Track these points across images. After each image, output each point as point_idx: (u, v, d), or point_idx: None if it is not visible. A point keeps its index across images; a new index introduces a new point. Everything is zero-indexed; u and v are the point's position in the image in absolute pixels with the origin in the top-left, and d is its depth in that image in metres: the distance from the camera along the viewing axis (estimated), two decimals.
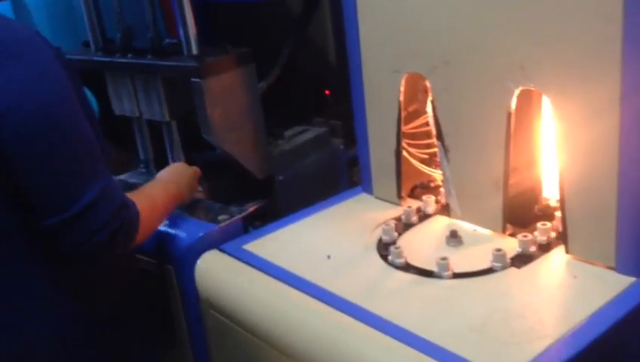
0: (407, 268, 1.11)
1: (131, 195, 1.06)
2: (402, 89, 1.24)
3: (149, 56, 1.39)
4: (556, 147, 1.04)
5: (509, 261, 1.07)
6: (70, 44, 1.69)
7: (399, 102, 1.26)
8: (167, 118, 1.44)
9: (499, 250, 1.07)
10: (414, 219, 1.26)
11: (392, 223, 1.22)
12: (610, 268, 1.02)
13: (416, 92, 1.30)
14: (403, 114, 1.28)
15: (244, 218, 1.36)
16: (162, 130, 1.49)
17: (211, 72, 1.28)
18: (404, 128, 1.29)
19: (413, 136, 1.32)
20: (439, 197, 1.30)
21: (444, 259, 1.07)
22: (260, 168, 1.41)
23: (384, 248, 1.17)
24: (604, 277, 1.01)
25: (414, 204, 1.30)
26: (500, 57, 1.07)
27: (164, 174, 1.32)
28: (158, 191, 1.19)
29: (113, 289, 1.12)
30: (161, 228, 1.30)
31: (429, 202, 1.28)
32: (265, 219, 1.40)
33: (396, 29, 1.20)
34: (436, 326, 0.95)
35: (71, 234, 0.96)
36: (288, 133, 1.53)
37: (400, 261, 1.12)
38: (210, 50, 1.33)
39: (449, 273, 1.07)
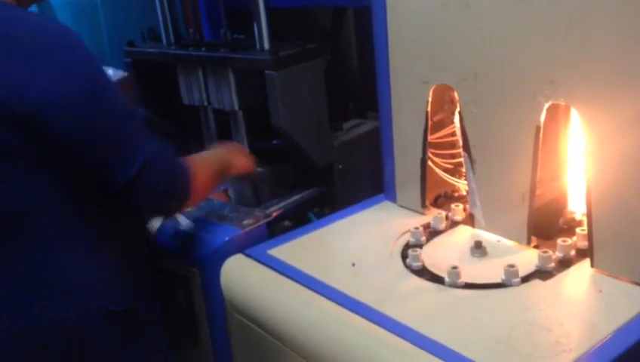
0: (424, 272, 1.13)
1: (195, 157, 1.19)
2: (430, 99, 1.25)
3: (222, 50, 1.49)
4: (584, 160, 1.04)
5: (519, 278, 1.07)
6: (93, 43, 1.75)
7: (426, 112, 1.26)
8: (236, 108, 1.52)
9: (511, 266, 1.07)
10: (443, 225, 1.27)
11: (421, 227, 1.23)
12: (636, 283, 1.02)
13: (442, 102, 1.31)
14: (429, 124, 1.29)
15: (267, 223, 1.37)
16: (229, 120, 1.58)
17: (283, 65, 1.38)
18: (430, 138, 1.30)
19: (438, 145, 1.33)
20: (467, 206, 1.30)
21: (455, 267, 1.09)
22: (321, 157, 1.52)
23: (407, 252, 1.17)
24: (630, 292, 1.01)
25: (437, 213, 1.30)
26: (529, 72, 1.07)
27: (218, 148, 1.41)
28: (212, 157, 1.30)
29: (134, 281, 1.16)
30: (188, 230, 1.32)
31: (457, 210, 1.28)
32: (323, 205, 1.54)
33: (426, 41, 1.21)
34: (462, 336, 0.96)
35: (140, 186, 1.05)
36: (346, 125, 1.64)
37: (417, 265, 1.13)
38: (280, 45, 1.43)
39: (459, 282, 1.08)
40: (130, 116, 1.09)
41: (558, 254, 1.11)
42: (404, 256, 1.18)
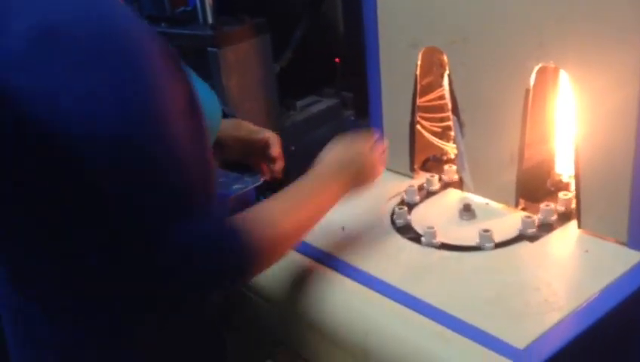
0: (407, 230, 1.14)
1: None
2: (419, 63, 1.24)
3: (162, 24, 1.39)
4: (574, 122, 1.05)
5: (493, 243, 1.08)
6: None
7: (415, 75, 1.26)
8: None
9: (486, 230, 1.08)
10: (436, 187, 1.27)
11: (415, 187, 1.24)
12: (622, 243, 1.04)
13: (431, 65, 1.31)
14: (417, 88, 1.28)
15: (256, 188, 1.37)
16: None
17: (228, 42, 1.29)
18: (418, 101, 1.30)
19: (426, 109, 1.33)
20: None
21: (430, 227, 1.10)
22: None
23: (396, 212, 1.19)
24: (616, 252, 1.03)
25: (430, 175, 1.31)
26: (519, 34, 1.07)
27: (330, 159, 1.00)
28: (306, 197, 0.94)
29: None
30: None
31: (450, 171, 1.30)
32: (277, 189, 1.40)
33: (415, 3, 1.20)
34: (449, 296, 0.97)
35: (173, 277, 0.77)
36: (300, 103, 1.56)
37: (401, 221, 1.15)
38: (226, 19, 1.34)
39: (434, 242, 1.09)
40: (185, 172, 0.75)
41: (541, 218, 1.12)
42: (393, 217, 1.19)
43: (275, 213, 0.86)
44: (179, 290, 0.80)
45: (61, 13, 0.70)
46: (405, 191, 1.24)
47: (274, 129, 1.39)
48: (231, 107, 1.32)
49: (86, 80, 0.70)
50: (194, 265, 0.76)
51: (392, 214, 1.20)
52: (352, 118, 1.60)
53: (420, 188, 1.27)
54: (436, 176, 1.29)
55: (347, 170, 0.99)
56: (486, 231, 1.08)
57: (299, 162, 1.47)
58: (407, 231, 1.15)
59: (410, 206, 1.22)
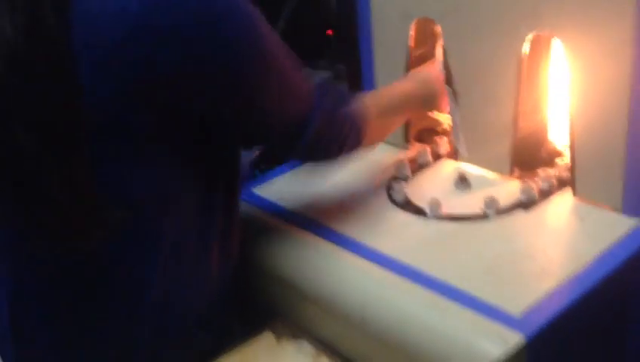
0: (407, 205, 1.13)
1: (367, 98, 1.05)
2: (412, 33, 1.24)
3: None
4: (568, 90, 1.05)
5: (502, 209, 1.09)
6: None
7: (408, 47, 1.25)
8: None
9: (491, 198, 1.09)
10: (429, 159, 1.27)
11: (407, 161, 1.24)
12: (617, 210, 1.05)
13: (424, 36, 1.30)
14: (411, 58, 1.28)
15: (252, 161, 1.37)
16: None
17: None
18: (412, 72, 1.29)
19: None
20: (451, 140, 1.31)
21: (434, 199, 1.10)
22: None
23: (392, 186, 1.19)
24: (611, 219, 1.04)
25: (421, 147, 1.31)
26: (512, 2, 1.07)
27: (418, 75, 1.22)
28: (398, 96, 1.15)
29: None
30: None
31: (442, 143, 1.29)
32: (270, 163, 1.41)
33: None
34: (444, 266, 0.98)
35: (311, 148, 0.96)
36: None
37: (400, 198, 1.14)
38: None
39: (440, 213, 1.09)
40: (295, 65, 0.91)
41: (540, 184, 1.13)
42: (389, 189, 1.19)
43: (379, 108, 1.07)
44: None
45: None
46: (397, 165, 1.24)
47: None
48: None
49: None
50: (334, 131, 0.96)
51: (389, 187, 1.20)
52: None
53: (413, 160, 1.27)
54: (428, 148, 1.29)
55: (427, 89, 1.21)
56: (490, 198, 1.09)
57: None
58: (404, 204, 1.15)
59: (405, 179, 1.22)
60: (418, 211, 1.12)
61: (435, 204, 1.09)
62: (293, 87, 0.91)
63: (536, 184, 1.12)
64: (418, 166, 1.26)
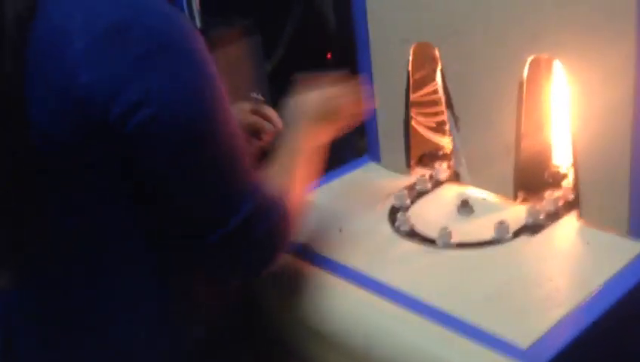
0: (413, 235, 1.11)
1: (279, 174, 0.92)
2: (411, 58, 1.23)
3: None
4: (569, 112, 1.04)
5: (511, 234, 1.07)
6: None
7: (408, 71, 1.24)
8: None
9: (502, 222, 1.07)
10: (428, 185, 1.25)
11: (405, 190, 1.22)
12: (623, 234, 1.03)
13: (423, 60, 1.28)
14: (410, 83, 1.26)
15: None
16: None
17: (216, 45, 1.27)
18: (412, 97, 1.28)
19: (420, 104, 1.31)
20: (451, 164, 1.29)
21: (444, 228, 1.07)
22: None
23: (395, 215, 1.16)
24: (617, 244, 1.02)
25: (422, 172, 1.29)
26: (511, 26, 1.05)
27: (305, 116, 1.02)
28: (298, 166, 0.97)
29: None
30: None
31: (441, 169, 1.27)
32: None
33: None
34: (450, 296, 0.96)
35: (231, 249, 0.84)
36: None
37: (405, 228, 1.12)
38: (213, 21, 1.31)
39: (451, 242, 1.07)
40: (240, 146, 0.84)
41: (547, 207, 1.11)
42: (391, 219, 1.17)
43: (283, 187, 0.92)
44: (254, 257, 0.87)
45: (120, 13, 0.75)
46: (396, 195, 1.21)
47: None
48: None
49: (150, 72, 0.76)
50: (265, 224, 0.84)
51: (391, 215, 1.18)
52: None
53: (412, 187, 1.25)
54: (427, 175, 1.27)
55: (323, 121, 1.04)
56: (502, 222, 1.07)
57: None
58: (408, 232, 1.13)
59: (405, 208, 1.20)
60: (422, 239, 1.10)
61: (446, 234, 1.07)
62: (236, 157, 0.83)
63: (542, 207, 1.10)
64: (417, 193, 1.24)
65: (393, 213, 1.18)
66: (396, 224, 1.14)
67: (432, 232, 1.10)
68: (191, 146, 0.79)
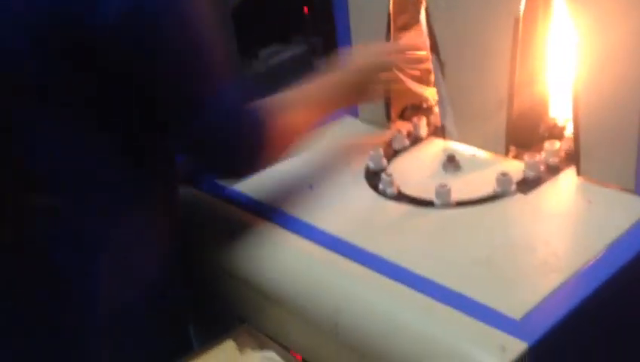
0: (400, 198, 0.99)
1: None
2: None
3: None
4: (572, 58, 0.92)
5: (514, 186, 0.96)
6: None
7: (388, 14, 1.11)
8: None
9: (504, 174, 0.96)
10: (406, 143, 1.13)
11: (380, 149, 1.09)
12: (629, 190, 0.91)
13: (406, 2, 1.15)
14: (392, 27, 1.13)
15: None
16: None
17: None
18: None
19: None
20: (431, 119, 1.17)
21: (443, 186, 0.95)
22: None
23: (373, 177, 1.05)
24: (623, 201, 0.91)
25: (405, 127, 1.17)
26: None
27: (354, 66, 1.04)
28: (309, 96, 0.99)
29: None
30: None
31: (421, 125, 1.15)
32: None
33: None
34: (435, 261, 0.85)
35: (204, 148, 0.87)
36: (263, 53, 1.40)
37: (391, 190, 1.00)
38: None
39: (450, 201, 0.95)
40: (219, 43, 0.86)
41: (540, 164, 0.99)
42: (368, 179, 1.05)
43: (288, 107, 0.94)
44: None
45: None
46: (376, 149, 1.09)
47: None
48: None
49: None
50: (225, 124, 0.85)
51: (366, 171, 1.06)
52: (323, 67, 1.44)
53: (389, 145, 1.13)
54: (404, 131, 1.15)
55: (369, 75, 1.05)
56: (504, 174, 0.96)
57: None
58: (384, 188, 1.01)
59: (386, 162, 1.08)
60: (400, 198, 0.98)
61: (444, 192, 0.95)
62: (205, 64, 0.84)
63: (538, 162, 0.98)
64: (395, 152, 1.12)
65: (369, 173, 1.06)
66: (380, 187, 1.01)
67: (417, 193, 0.98)
68: (173, 32, 0.80)
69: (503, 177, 0.95)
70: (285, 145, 0.93)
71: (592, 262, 0.81)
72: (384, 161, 1.08)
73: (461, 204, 0.95)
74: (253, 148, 0.88)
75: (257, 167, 0.95)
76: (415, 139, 1.15)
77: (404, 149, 1.13)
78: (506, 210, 0.93)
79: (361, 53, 1.09)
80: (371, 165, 1.08)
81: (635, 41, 0.85)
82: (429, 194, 0.97)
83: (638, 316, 0.89)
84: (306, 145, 1.00)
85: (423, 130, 1.15)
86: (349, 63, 1.04)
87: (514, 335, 0.71)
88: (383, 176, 1.02)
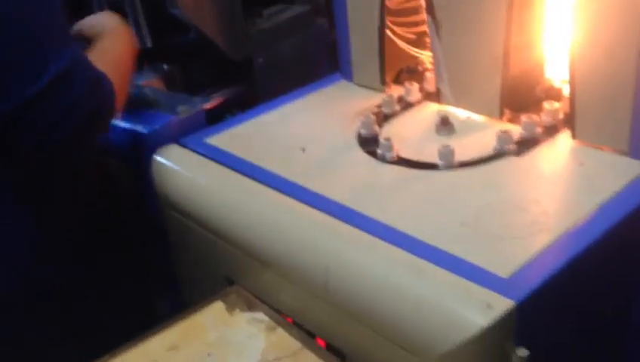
0: (400, 162, 0.98)
1: (94, 57, 0.90)
2: None
3: None
4: (571, 21, 0.90)
5: (514, 145, 0.95)
6: None
7: None
8: None
9: (504, 131, 0.95)
10: (396, 108, 1.11)
11: (372, 114, 1.08)
12: (622, 152, 0.90)
13: None
14: None
15: (208, 109, 1.21)
16: (125, 9, 1.30)
17: None
18: (388, 3, 1.13)
19: (398, 12, 1.16)
20: (424, 84, 1.15)
21: (446, 146, 0.94)
22: (236, 48, 1.28)
23: (366, 142, 1.03)
24: (615, 163, 0.89)
25: (400, 91, 1.16)
26: None
27: (100, 24, 1.06)
28: (117, 46, 1.01)
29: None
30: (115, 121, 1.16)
31: (412, 89, 1.13)
32: (244, 106, 1.28)
33: None
34: (425, 222, 0.84)
35: (43, 112, 0.82)
36: (267, 11, 1.39)
37: (391, 155, 0.98)
38: None
39: (454, 163, 0.94)
40: (56, 12, 0.85)
41: (545, 119, 0.98)
42: (360, 137, 1.04)
43: (111, 69, 0.92)
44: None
45: None
46: (370, 111, 1.08)
47: (238, 37, 1.29)
48: (185, 10, 1.21)
49: None
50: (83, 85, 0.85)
51: (359, 135, 1.05)
52: (327, 27, 1.43)
53: (379, 109, 1.12)
54: (395, 96, 1.13)
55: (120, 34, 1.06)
56: (504, 131, 0.95)
57: (268, 73, 1.35)
58: (383, 153, 0.99)
59: (380, 123, 1.07)
60: (408, 164, 0.97)
61: (448, 152, 0.94)
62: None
63: (535, 123, 0.97)
64: (386, 116, 1.10)
65: (361, 138, 1.05)
66: (379, 152, 0.99)
67: (414, 157, 0.97)
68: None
69: (503, 134, 0.94)
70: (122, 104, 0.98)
71: (581, 223, 0.80)
72: (376, 127, 1.07)
73: (464, 164, 0.94)
74: (111, 109, 0.91)
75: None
76: (406, 104, 1.13)
77: (395, 114, 1.11)
78: (499, 171, 0.92)
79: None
80: (363, 131, 1.06)
81: (630, 4, 0.83)
82: (426, 158, 0.96)
83: (626, 276, 0.88)
84: (300, 108, 0.99)
85: (415, 95, 1.14)
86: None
87: (501, 293, 0.70)
88: (381, 140, 1.00)
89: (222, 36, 1.26)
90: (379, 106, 1.12)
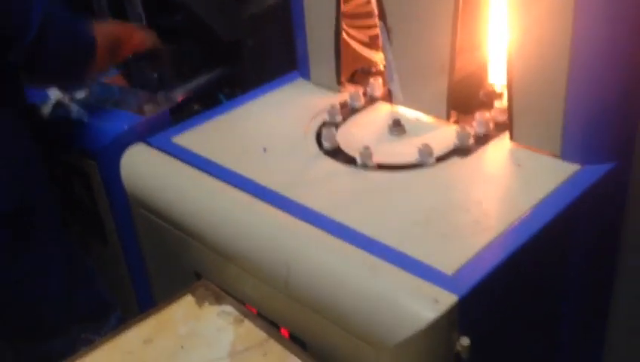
0: (335, 153, 1.05)
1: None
2: None
3: None
4: (507, 27, 0.97)
5: (434, 158, 1.02)
6: None
7: None
8: None
9: (425, 145, 1.02)
10: (361, 102, 1.18)
11: (338, 106, 1.15)
12: (555, 155, 0.99)
13: None
14: None
15: (172, 108, 1.25)
16: None
17: None
18: (344, 8, 1.19)
19: (353, 16, 1.22)
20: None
21: (366, 148, 1.02)
22: (228, 31, 1.34)
23: (324, 140, 1.09)
24: (550, 165, 0.98)
25: (355, 90, 1.22)
26: None
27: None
28: (107, 29, 1.16)
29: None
30: (83, 119, 1.20)
31: (376, 85, 1.20)
32: (233, 85, 1.38)
33: None
34: (376, 220, 0.91)
35: (43, 48, 1.01)
36: None
37: (329, 145, 1.06)
38: None
39: (372, 163, 1.02)
40: None
41: (477, 129, 1.06)
42: (319, 137, 1.10)
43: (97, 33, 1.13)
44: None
45: None
46: (329, 110, 1.15)
47: (230, 20, 1.34)
48: None
49: None
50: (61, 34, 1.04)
51: (318, 134, 1.11)
52: None
53: (345, 104, 1.18)
54: (361, 91, 1.20)
55: (122, 28, 1.24)
56: (426, 145, 1.01)
57: (258, 56, 1.41)
58: (335, 153, 1.06)
59: (336, 125, 1.13)
60: (349, 160, 1.04)
61: (367, 153, 1.02)
62: None
63: (473, 129, 1.05)
64: (350, 110, 1.17)
65: (321, 129, 1.11)
66: (321, 139, 1.07)
67: (358, 152, 1.04)
68: None
69: (424, 148, 1.01)
70: (100, 68, 1.16)
71: (519, 221, 0.88)
72: (339, 118, 1.14)
73: (382, 167, 1.02)
74: (91, 58, 1.08)
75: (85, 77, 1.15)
76: (370, 99, 1.20)
77: (358, 108, 1.18)
78: (443, 173, 1.00)
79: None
80: (327, 119, 1.13)
81: (560, 11, 0.90)
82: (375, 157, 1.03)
83: (558, 271, 0.98)
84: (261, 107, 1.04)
85: (378, 91, 1.20)
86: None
87: (446, 288, 0.78)
88: (324, 130, 1.07)
89: (214, 18, 1.32)
90: (343, 102, 1.18)
